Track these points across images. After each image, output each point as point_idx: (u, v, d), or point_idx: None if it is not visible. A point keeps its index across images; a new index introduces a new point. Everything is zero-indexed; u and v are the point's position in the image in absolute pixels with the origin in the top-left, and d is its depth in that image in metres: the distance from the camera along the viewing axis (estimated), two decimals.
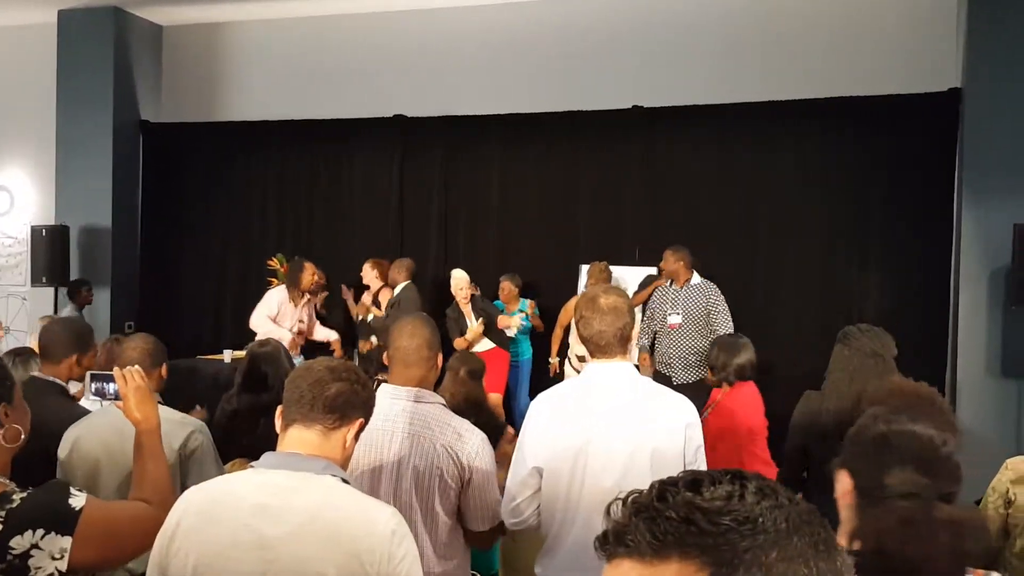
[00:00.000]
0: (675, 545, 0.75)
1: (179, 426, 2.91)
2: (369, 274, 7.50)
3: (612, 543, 0.79)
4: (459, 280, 7.11)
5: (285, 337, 6.35)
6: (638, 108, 7.48)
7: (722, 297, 6.46)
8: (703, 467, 2.55)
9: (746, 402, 3.92)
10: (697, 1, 7.56)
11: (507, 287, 7.31)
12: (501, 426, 3.76)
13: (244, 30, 8.88)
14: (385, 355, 2.68)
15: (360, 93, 8.34)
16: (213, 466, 2.93)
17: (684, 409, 2.60)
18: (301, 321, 6.85)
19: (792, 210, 7.21)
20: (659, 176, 7.54)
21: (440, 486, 2.51)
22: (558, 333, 7.17)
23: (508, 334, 7.11)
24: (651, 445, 2.50)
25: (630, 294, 5.48)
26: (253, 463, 1.90)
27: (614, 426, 2.53)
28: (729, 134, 7.36)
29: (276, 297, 6.82)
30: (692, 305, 6.46)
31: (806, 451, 3.39)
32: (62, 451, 2.92)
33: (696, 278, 6.55)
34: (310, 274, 6.84)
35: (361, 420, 1.94)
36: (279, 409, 1.93)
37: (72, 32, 8.51)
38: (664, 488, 0.80)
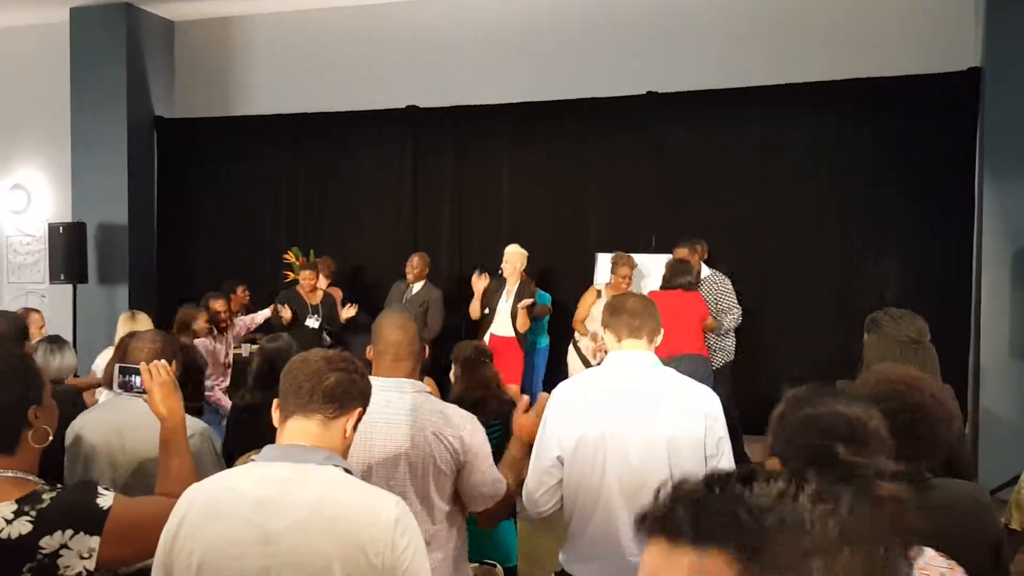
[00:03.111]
0: (713, 536, 0.74)
1: None
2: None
3: (655, 525, 0.78)
4: (512, 255, 6.97)
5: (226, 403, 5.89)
6: (652, 94, 7.41)
7: (730, 285, 6.48)
8: (727, 459, 2.52)
9: (667, 298, 5.60)
10: None
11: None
12: (509, 402, 3.74)
13: (255, 24, 8.88)
14: (369, 349, 2.65)
15: (372, 85, 8.32)
16: (212, 468, 2.93)
17: (704, 399, 2.57)
18: (235, 350, 6.55)
19: (809, 194, 7.14)
20: (673, 162, 7.47)
21: (435, 474, 2.48)
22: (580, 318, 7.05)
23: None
24: (667, 434, 2.48)
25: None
26: (254, 456, 1.88)
27: (633, 415, 2.52)
28: (744, 118, 7.28)
29: (200, 346, 6.13)
30: (707, 297, 6.43)
31: None
32: (67, 439, 2.98)
33: (706, 270, 6.57)
34: (203, 320, 6.20)
35: (360, 409, 1.92)
36: (275, 402, 1.91)
37: (84, 30, 8.54)
38: (716, 478, 0.78)
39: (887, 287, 6.78)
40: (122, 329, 5.30)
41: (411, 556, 1.76)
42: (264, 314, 7.17)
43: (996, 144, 6.13)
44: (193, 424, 3.02)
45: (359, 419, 1.92)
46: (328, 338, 7.27)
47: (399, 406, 2.51)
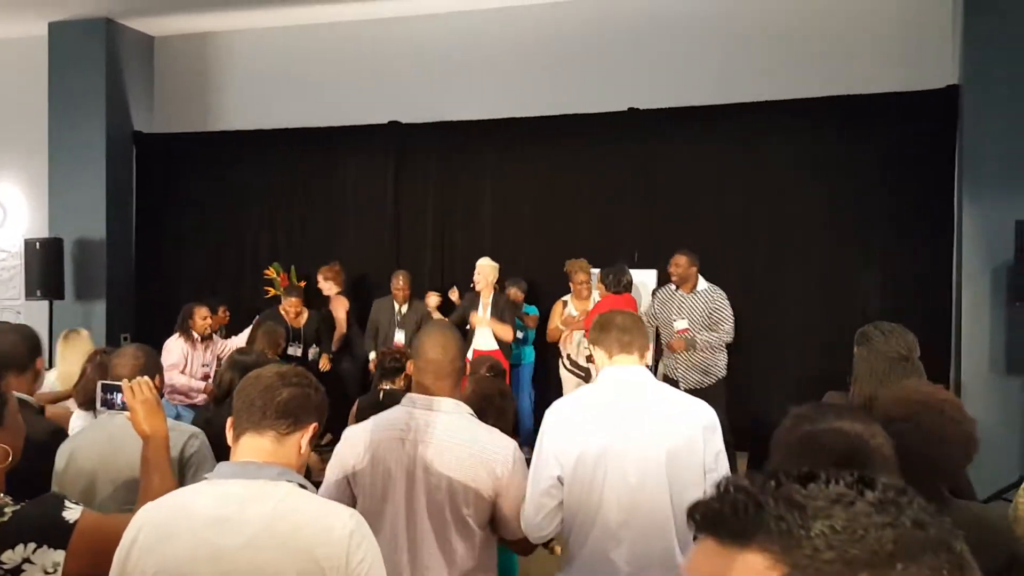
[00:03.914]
0: (755, 536, 0.70)
1: (176, 433, 2.88)
2: (323, 283, 7.62)
3: (703, 522, 0.75)
4: (484, 268, 6.94)
5: (196, 388, 6.29)
6: (633, 110, 7.45)
7: (727, 301, 6.42)
8: (725, 472, 2.49)
9: (621, 301, 6.00)
10: (691, 2, 7.53)
11: (512, 293, 7.22)
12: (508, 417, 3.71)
13: (235, 40, 8.84)
14: (411, 364, 2.63)
15: (353, 100, 8.30)
16: (211, 470, 2.90)
17: (701, 412, 2.55)
18: (206, 366, 6.51)
19: (791, 210, 7.18)
20: (656, 178, 7.50)
21: (474, 497, 2.45)
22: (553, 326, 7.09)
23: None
24: (666, 448, 2.45)
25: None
26: (207, 475, 1.87)
27: (631, 430, 2.49)
28: (726, 135, 7.32)
29: (176, 347, 6.42)
30: (698, 310, 6.40)
31: None
32: (58, 464, 2.90)
33: (702, 283, 6.49)
34: (201, 317, 6.49)
35: (315, 425, 1.91)
36: (229, 421, 1.90)
37: (63, 44, 8.46)
38: (772, 476, 0.75)
39: (870, 302, 6.83)
40: (64, 349, 5.18)
41: (366, 569, 1.76)
42: (244, 337, 7.08)
43: (974, 160, 6.19)
44: (186, 428, 2.99)
45: (315, 435, 1.91)
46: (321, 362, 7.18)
47: (442, 427, 2.48)
